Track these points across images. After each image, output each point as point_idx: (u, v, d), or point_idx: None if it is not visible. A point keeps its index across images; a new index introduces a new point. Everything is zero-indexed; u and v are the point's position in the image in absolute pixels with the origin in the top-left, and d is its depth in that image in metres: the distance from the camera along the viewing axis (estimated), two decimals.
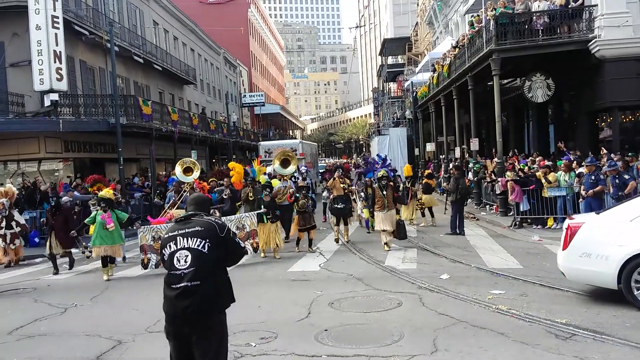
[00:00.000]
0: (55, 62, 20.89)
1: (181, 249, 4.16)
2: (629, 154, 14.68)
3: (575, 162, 14.48)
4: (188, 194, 12.98)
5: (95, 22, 25.44)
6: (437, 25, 40.72)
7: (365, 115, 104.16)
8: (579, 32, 17.22)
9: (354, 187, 16.26)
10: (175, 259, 4.15)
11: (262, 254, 12.47)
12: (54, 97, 21.24)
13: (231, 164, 16.07)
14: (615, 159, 13.30)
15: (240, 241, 4.62)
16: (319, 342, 6.55)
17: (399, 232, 12.68)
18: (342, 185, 14.23)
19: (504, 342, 6.25)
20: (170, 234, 4.29)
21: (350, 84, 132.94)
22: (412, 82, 38.61)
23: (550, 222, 14.35)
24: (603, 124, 18.92)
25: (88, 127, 22.49)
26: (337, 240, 13.98)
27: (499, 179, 16.70)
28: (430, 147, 34.44)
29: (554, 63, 18.20)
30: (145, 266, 11.27)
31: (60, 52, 21.13)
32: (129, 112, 23.36)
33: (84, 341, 7.18)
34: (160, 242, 10.36)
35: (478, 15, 20.81)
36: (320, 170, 32.95)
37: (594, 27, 16.77)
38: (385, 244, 12.62)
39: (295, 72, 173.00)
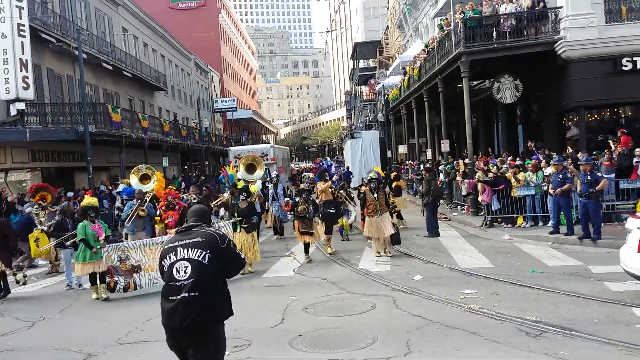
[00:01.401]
0: (21, 70, 20.42)
1: (181, 259, 4.12)
2: (594, 152, 14.98)
3: (544, 161, 14.73)
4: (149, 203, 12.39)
5: (62, 30, 25.00)
6: (407, 28, 41.12)
7: (338, 119, 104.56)
8: (545, 34, 17.53)
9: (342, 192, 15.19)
10: (174, 270, 4.11)
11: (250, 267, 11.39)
12: (21, 106, 20.77)
13: (125, 181, 14.96)
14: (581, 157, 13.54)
15: (240, 252, 4.56)
16: (293, 348, 6.53)
17: (393, 236, 12.15)
18: (330, 190, 13.37)
19: (476, 341, 6.31)
20: (170, 245, 4.25)
21: (323, 88, 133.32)
22: (383, 85, 38.89)
23: (520, 220, 14.58)
24: (570, 123, 19.29)
25: (56, 136, 22.08)
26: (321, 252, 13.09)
27: (466, 181, 16.89)
28: (402, 149, 34.71)
29: (521, 64, 18.51)
30: (111, 290, 10.00)
31: (26, 60, 20.68)
32: (98, 120, 23.00)
33: (53, 355, 7.04)
34: (127, 262, 10.05)
35: (447, 19, 21.06)
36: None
37: (559, 29, 17.09)
38: (377, 250, 12.02)
39: (267, 77, 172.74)
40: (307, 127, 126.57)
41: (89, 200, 11.02)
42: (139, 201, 12.28)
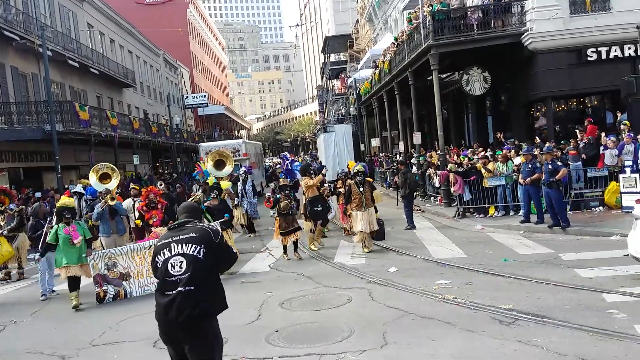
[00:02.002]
0: None
1: (175, 255, 4.15)
2: (562, 142, 15.26)
3: (513, 151, 14.96)
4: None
5: (26, 27, 24.39)
6: (376, 22, 41.27)
7: (311, 113, 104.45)
8: (511, 26, 17.81)
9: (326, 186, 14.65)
10: (169, 265, 4.13)
11: None
12: None
13: (83, 181, 13.65)
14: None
15: (232, 247, 4.67)
16: (269, 344, 6.52)
17: (378, 232, 11.75)
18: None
19: (451, 331, 6.39)
20: (163, 241, 4.27)
21: (295, 82, 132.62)
22: (354, 78, 38.95)
23: (491, 210, 14.79)
24: (538, 113, 19.65)
25: (22, 136, 21.61)
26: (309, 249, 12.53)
27: (439, 172, 17.05)
28: (375, 142, 34.87)
29: (489, 56, 18.74)
30: (101, 300, 9.28)
31: None
32: (65, 119, 22.59)
33: (26, 359, 6.90)
34: (115, 270, 9.43)
35: (415, 12, 21.20)
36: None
37: (525, 21, 17.37)
38: (365, 246, 11.72)
39: (238, 72, 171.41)
40: (279, 121, 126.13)
41: (64, 200, 10.12)
42: (107, 195, 11.74)
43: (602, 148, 14.28)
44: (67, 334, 7.85)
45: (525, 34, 17.10)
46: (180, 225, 4.36)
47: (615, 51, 16.99)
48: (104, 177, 12.28)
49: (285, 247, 11.76)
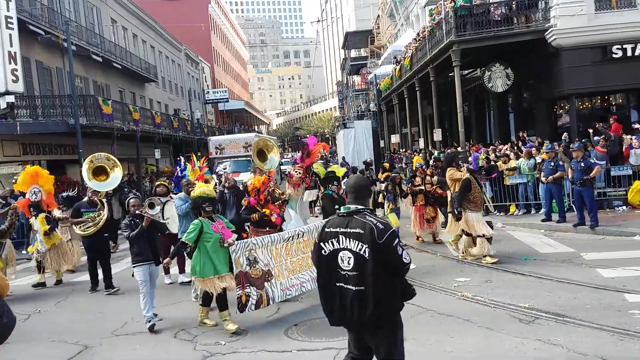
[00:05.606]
0: (10, 63, 20.21)
1: (344, 249, 3.97)
2: (583, 140, 15.07)
3: (534, 149, 14.81)
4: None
5: (51, 22, 24.79)
6: (398, 17, 41.04)
7: (331, 109, 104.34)
8: (535, 22, 17.61)
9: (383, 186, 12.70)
10: (339, 259, 3.99)
11: None
12: (10, 99, 20.59)
13: (32, 169, 11.26)
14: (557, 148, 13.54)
15: (404, 254, 3.95)
16: (288, 337, 6.57)
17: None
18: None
19: (470, 328, 6.37)
20: (332, 230, 4.05)
21: (315, 78, 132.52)
22: (375, 74, 38.83)
23: (512, 208, 14.67)
24: (561, 111, 19.40)
25: (47, 129, 21.96)
26: None
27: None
28: (395, 138, 34.75)
29: (512, 53, 18.56)
30: (242, 308, 7.09)
31: (15, 53, 20.46)
32: (88, 113, 22.91)
33: (49, 347, 7.05)
34: (257, 267, 7.39)
35: (438, 7, 21.05)
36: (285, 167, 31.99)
37: (549, 17, 17.15)
38: (489, 255, 9.58)
39: (258, 67, 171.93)
40: (299, 117, 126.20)
41: (202, 188, 7.47)
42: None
43: (625, 145, 14.06)
44: (91, 323, 7.98)
45: (549, 31, 16.89)
46: (350, 214, 4.01)
47: None
48: (99, 172, 9.98)
49: None
